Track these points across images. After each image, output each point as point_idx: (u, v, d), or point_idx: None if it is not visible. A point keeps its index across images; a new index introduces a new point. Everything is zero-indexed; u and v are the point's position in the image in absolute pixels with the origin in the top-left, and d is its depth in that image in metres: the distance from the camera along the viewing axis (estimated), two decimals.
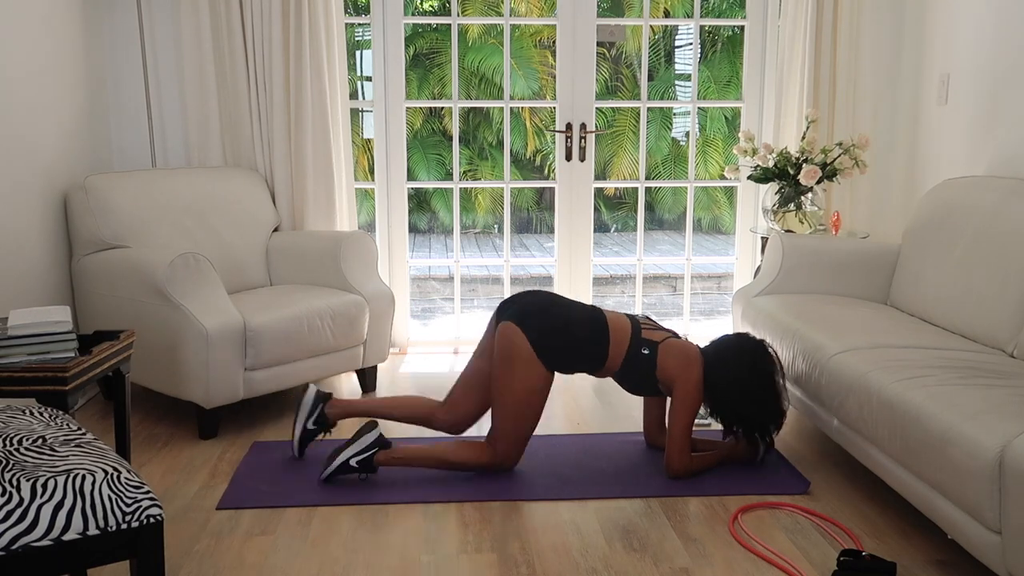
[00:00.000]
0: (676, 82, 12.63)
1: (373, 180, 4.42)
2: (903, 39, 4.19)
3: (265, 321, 3.26)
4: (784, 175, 4.00)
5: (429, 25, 12.22)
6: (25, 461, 1.68)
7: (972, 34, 3.67)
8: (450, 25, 4.50)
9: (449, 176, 11.43)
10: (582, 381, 4.00)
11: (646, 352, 2.86)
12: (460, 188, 4.71)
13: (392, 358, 4.29)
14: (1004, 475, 1.95)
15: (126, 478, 1.66)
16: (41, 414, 1.99)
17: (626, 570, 2.32)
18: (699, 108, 10.41)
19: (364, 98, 10.54)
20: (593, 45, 4.39)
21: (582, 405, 3.66)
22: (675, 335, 2.98)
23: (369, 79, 6.33)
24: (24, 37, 3.29)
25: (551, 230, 7.99)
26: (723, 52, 12.02)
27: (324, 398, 3.04)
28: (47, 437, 1.82)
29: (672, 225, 12.87)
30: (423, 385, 3.94)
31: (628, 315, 2.98)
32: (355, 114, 10.78)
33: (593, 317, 2.88)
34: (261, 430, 3.33)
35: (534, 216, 12.99)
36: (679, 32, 12.71)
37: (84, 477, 1.62)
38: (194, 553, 2.39)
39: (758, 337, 3.01)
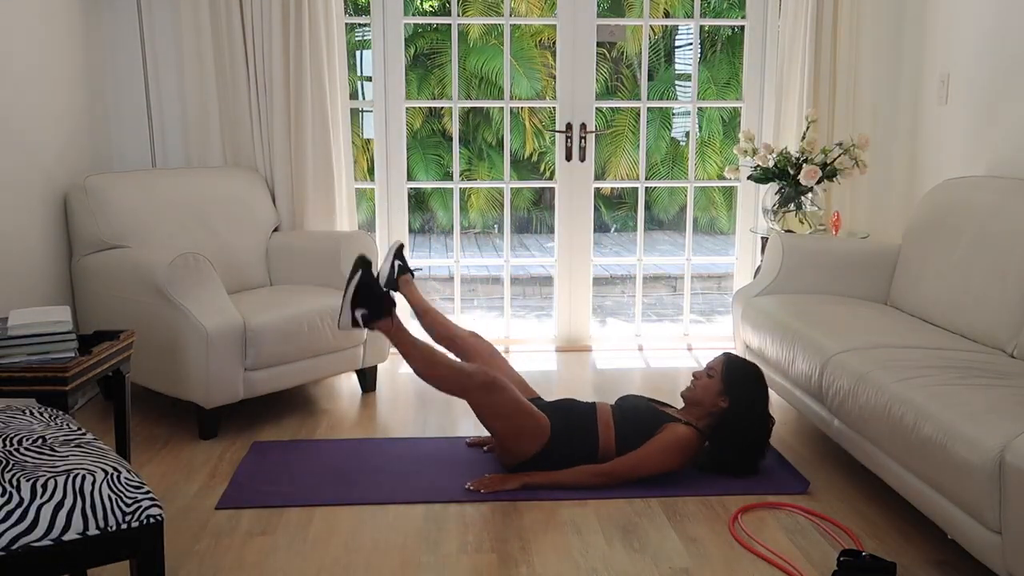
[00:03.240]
0: (676, 82, 12.63)
1: (373, 180, 4.42)
2: (903, 39, 4.19)
3: (265, 321, 3.25)
4: (784, 175, 4.00)
5: (429, 25, 12.21)
6: (25, 461, 1.68)
7: (972, 34, 3.67)
8: (450, 25, 4.50)
9: (447, 176, 11.43)
10: (581, 381, 4.00)
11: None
12: (459, 189, 4.71)
13: (392, 358, 4.27)
14: (1004, 475, 1.95)
15: (126, 478, 1.66)
16: (41, 414, 1.99)
17: (626, 570, 2.32)
18: (698, 108, 10.39)
19: (364, 98, 10.53)
20: (593, 45, 4.39)
21: None
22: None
23: (369, 79, 6.32)
24: (24, 37, 3.29)
25: (551, 230, 7.99)
26: (723, 52, 12.01)
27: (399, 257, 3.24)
28: (47, 437, 1.82)
29: (672, 225, 12.86)
30: (423, 385, 3.93)
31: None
32: (355, 114, 10.76)
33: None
34: (261, 430, 3.33)
35: (534, 216, 12.99)
36: (679, 32, 12.71)
37: (84, 477, 1.62)
38: (194, 553, 2.39)
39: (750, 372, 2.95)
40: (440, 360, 2.86)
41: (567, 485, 2.78)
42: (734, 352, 3.03)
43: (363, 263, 2.92)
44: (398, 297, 3.13)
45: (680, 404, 3.01)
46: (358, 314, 2.90)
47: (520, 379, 3.12)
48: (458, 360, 2.94)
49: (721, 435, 2.87)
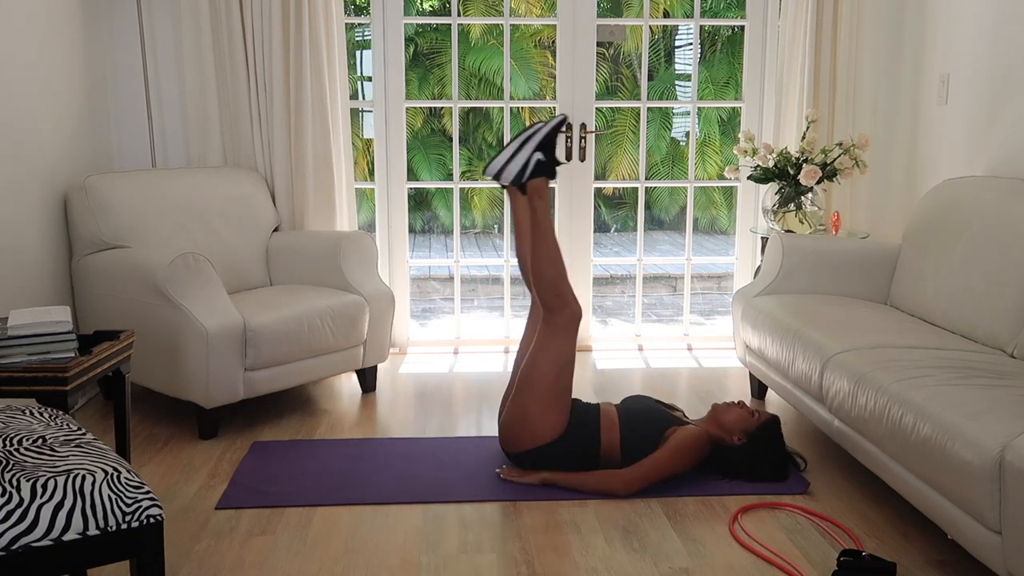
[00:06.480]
0: (676, 82, 12.63)
1: (373, 180, 4.42)
2: (903, 39, 4.19)
3: (265, 321, 3.25)
4: (784, 175, 4.00)
5: (429, 25, 12.21)
6: (25, 461, 1.68)
7: (972, 34, 3.67)
8: (450, 25, 4.50)
9: (450, 176, 11.43)
10: (581, 381, 4.01)
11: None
12: (459, 188, 4.71)
13: (392, 358, 4.29)
14: (1004, 475, 1.95)
15: (126, 478, 1.66)
16: (41, 414, 1.99)
17: (626, 570, 2.32)
18: (698, 108, 10.39)
19: (364, 98, 10.53)
20: (593, 45, 4.39)
21: None
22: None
23: (369, 79, 6.31)
24: (24, 37, 3.29)
25: None
26: (722, 52, 12.02)
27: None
28: (47, 437, 1.82)
29: (672, 225, 12.86)
30: (423, 385, 3.94)
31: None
32: (355, 114, 10.77)
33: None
34: (261, 430, 3.33)
35: None
36: (679, 32, 12.71)
37: (84, 477, 1.62)
38: (194, 553, 2.39)
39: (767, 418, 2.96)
40: (560, 260, 2.80)
41: (589, 489, 2.77)
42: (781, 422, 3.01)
43: (564, 120, 2.85)
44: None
45: (681, 401, 3.01)
46: (533, 159, 2.76)
47: None
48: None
49: (720, 453, 2.88)
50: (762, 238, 4.24)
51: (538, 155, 2.82)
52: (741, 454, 2.85)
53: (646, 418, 2.88)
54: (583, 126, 4.41)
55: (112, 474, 1.65)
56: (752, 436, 2.87)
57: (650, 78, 12.07)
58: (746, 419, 2.90)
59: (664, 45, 12.43)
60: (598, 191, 12.44)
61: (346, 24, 4.26)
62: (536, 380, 2.78)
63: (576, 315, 2.80)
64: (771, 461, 2.86)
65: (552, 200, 4.11)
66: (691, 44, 12.42)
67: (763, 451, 2.86)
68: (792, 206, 4.03)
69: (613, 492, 2.75)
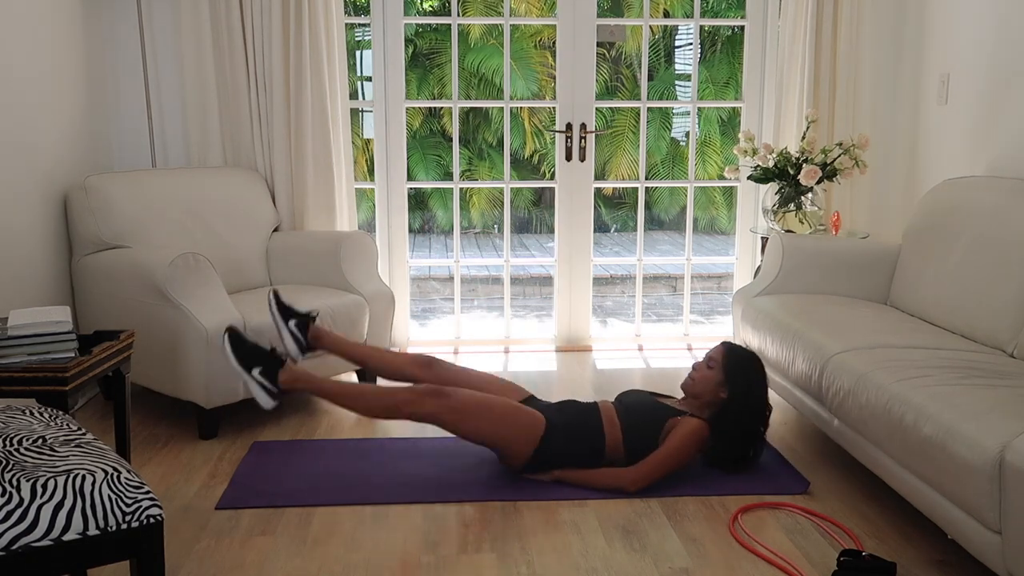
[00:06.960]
0: (676, 82, 12.63)
1: (373, 180, 4.42)
2: (903, 39, 4.19)
3: (265, 321, 3.25)
4: (784, 175, 4.00)
5: (429, 25, 12.21)
6: (25, 461, 1.68)
7: (972, 34, 3.67)
8: (450, 25, 4.50)
9: (447, 176, 11.43)
10: (581, 381, 4.00)
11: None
12: (459, 188, 4.71)
13: None
14: (1004, 475, 1.95)
15: (126, 478, 1.66)
16: (41, 414, 1.99)
17: (626, 570, 2.32)
18: (698, 108, 10.39)
19: (364, 98, 10.53)
20: (593, 45, 4.39)
21: None
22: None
23: (369, 79, 6.31)
24: (24, 37, 3.29)
25: (551, 230, 8.00)
26: (722, 52, 12.01)
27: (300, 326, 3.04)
28: (47, 437, 1.82)
29: (672, 225, 12.86)
30: None
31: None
32: (355, 114, 10.76)
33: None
34: (261, 430, 3.33)
35: (534, 216, 12.99)
36: (679, 32, 12.71)
37: (84, 477, 1.62)
38: (194, 553, 2.39)
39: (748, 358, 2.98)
40: (369, 388, 2.87)
41: (598, 486, 2.78)
42: (732, 341, 3.04)
43: (227, 331, 2.83)
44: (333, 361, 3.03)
45: (679, 395, 3.02)
46: (257, 376, 2.77)
47: (504, 385, 3.02)
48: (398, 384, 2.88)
49: (720, 426, 2.87)
50: (762, 238, 4.24)
51: (256, 371, 2.79)
52: (736, 404, 2.86)
53: (644, 412, 2.88)
54: (583, 126, 4.41)
55: (112, 474, 1.65)
56: (730, 378, 2.88)
57: (650, 78, 12.07)
58: (708, 374, 2.92)
59: (664, 45, 12.42)
60: (598, 191, 12.40)
61: (346, 24, 4.26)
62: (486, 439, 2.80)
63: (428, 389, 2.73)
64: (761, 388, 2.91)
65: (552, 200, 4.07)
66: (691, 44, 12.42)
67: (749, 382, 2.89)
68: (792, 206, 4.03)
69: (622, 488, 2.76)
